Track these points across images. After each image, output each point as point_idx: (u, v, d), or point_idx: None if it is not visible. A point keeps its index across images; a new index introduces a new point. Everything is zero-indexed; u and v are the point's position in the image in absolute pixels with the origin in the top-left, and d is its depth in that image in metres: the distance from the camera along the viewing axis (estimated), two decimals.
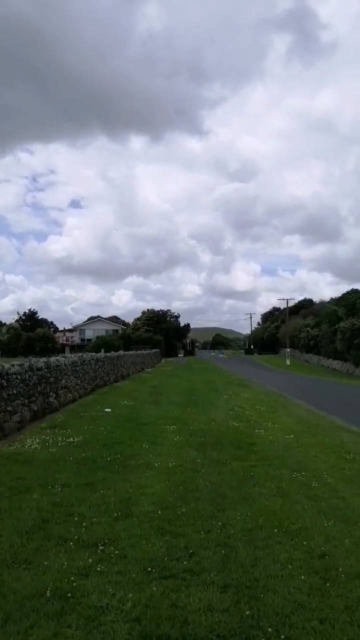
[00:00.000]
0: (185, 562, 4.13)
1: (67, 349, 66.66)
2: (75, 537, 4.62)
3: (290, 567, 4.06)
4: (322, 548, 4.42)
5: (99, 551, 4.34)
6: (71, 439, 9.01)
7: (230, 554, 4.31)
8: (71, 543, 4.49)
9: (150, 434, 9.86)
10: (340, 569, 4.00)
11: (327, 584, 3.77)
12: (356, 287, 61.81)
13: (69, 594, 3.58)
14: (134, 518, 5.19)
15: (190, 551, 4.35)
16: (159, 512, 5.35)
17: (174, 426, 10.87)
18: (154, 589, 3.66)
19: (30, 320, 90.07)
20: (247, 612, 3.35)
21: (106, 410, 13.16)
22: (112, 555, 4.26)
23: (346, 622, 3.28)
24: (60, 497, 5.78)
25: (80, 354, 20.02)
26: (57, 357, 16.28)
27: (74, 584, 3.75)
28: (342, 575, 3.90)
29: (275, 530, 4.84)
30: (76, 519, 5.11)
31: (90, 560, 4.14)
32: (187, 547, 4.45)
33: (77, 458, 7.65)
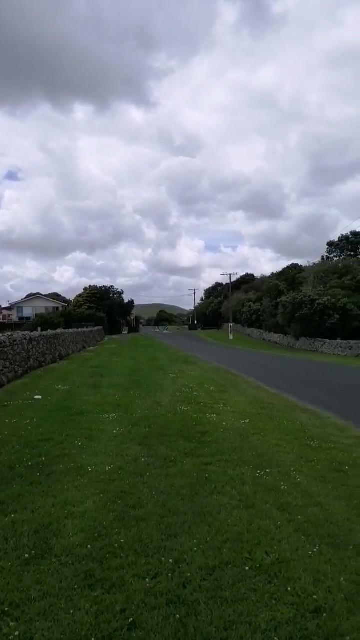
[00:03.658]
0: None
1: None
2: None
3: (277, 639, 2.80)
4: (314, 597, 3.19)
5: None
6: None
7: (188, 620, 2.97)
8: None
9: (86, 426, 8.34)
10: (348, 638, 2.79)
11: None
12: (296, 262, 62.49)
13: None
14: (53, 559, 3.73)
15: (130, 620, 2.97)
16: (89, 545, 3.93)
17: (114, 414, 9.41)
18: None
19: None
20: None
21: (36, 397, 11.43)
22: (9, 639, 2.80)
23: None
24: None
25: (9, 333, 17.89)
26: None
27: None
28: None
29: (247, 568, 3.56)
30: None
31: None
32: (125, 610, 3.07)
33: None
